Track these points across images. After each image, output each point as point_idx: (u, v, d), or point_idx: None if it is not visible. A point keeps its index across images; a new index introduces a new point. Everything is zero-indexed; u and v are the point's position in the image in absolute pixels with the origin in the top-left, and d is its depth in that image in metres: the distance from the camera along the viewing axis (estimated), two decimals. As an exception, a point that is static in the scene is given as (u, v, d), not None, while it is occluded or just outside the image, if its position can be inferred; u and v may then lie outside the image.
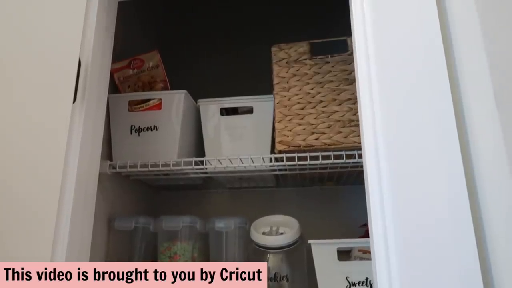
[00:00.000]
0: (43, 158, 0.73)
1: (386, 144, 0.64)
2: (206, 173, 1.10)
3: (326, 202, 1.31)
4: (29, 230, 0.72)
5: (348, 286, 0.89)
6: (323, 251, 0.91)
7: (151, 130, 1.05)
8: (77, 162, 0.77)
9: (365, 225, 1.16)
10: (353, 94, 0.95)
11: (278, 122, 0.96)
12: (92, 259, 0.86)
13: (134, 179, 1.19)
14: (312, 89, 0.97)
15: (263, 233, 1.02)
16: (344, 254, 0.97)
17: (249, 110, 1.09)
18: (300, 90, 0.98)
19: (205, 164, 1.03)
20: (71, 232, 0.75)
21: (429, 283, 0.58)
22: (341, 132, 0.93)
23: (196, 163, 1.02)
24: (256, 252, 1.03)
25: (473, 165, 0.62)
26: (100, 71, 0.84)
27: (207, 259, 1.04)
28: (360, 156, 0.91)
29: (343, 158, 0.93)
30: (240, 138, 1.07)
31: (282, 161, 0.97)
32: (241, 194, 1.35)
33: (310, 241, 0.92)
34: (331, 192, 1.32)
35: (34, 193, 0.73)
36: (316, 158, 0.94)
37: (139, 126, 1.06)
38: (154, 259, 1.01)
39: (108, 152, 1.06)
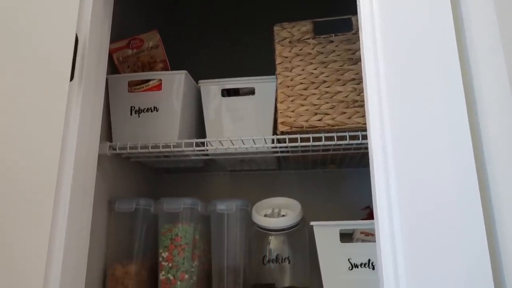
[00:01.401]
0: (39, 138, 0.72)
1: (392, 123, 0.62)
2: (207, 155, 1.08)
3: (328, 185, 1.30)
4: (26, 214, 0.71)
5: (350, 268, 0.89)
6: (325, 233, 0.90)
7: (151, 111, 1.03)
8: (75, 143, 0.76)
9: (367, 207, 1.15)
10: (357, 74, 0.93)
11: (281, 102, 0.94)
12: (92, 241, 0.86)
13: (134, 161, 1.18)
14: (315, 69, 0.95)
15: (265, 215, 1.02)
16: (346, 237, 0.96)
17: (251, 91, 1.07)
18: (303, 70, 0.95)
19: (206, 146, 1.01)
20: (70, 215, 0.74)
21: (434, 265, 0.57)
22: (344, 113, 0.91)
23: (197, 144, 1.01)
24: (257, 234, 1.02)
25: (483, 148, 0.61)
26: (98, 49, 0.82)
27: (208, 241, 1.04)
28: (363, 137, 0.90)
29: (346, 139, 0.91)
30: (241, 120, 1.05)
31: (284, 142, 0.95)
32: (243, 177, 1.34)
33: (312, 223, 0.91)
34: (333, 175, 1.31)
35: (30, 174, 0.72)
36: (319, 139, 0.92)
37: (139, 107, 1.04)
38: (155, 241, 1.01)
39: (108, 134, 1.05)
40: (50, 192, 0.72)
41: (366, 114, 0.67)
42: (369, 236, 0.99)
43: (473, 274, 0.56)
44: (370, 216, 1.14)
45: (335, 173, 1.31)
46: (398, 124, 0.62)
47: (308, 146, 0.95)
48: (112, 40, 0.93)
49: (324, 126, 0.91)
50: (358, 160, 1.19)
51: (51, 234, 0.71)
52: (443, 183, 0.59)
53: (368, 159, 0.68)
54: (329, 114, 0.91)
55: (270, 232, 1.00)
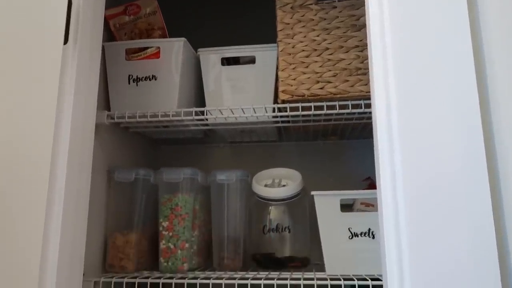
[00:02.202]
0: (32, 104, 0.70)
1: (397, 90, 0.60)
2: (207, 125, 1.07)
3: (329, 157, 1.29)
4: (22, 182, 0.70)
5: (350, 237, 0.89)
6: (326, 203, 0.90)
7: (150, 79, 1.01)
8: (71, 110, 0.74)
9: (368, 178, 1.14)
10: (361, 41, 0.90)
11: (282, 70, 0.92)
12: (91, 211, 0.85)
13: (133, 131, 1.16)
14: (317, 36, 0.92)
15: (265, 186, 1.01)
16: (346, 208, 0.95)
17: (252, 60, 1.04)
18: (305, 37, 0.93)
19: (206, 115, 1.00)
20: (67, 185, 0.73)
21: (438, 234, 0.56)
22: (347, 80, 0.89)
23: (197, 113, 0.99)
24: (258, 205, 1.02)
25: (492, 120, 0.59)
26: (93, 13, 0.79)
27: (208, 212, 1.04)
28: (366, 106, 0.88)
29: (348, 108, 0.90)
30: (241, 89, 1.03)
31: (285, 111, 0.94)
32: (243, 149, 1.33)
33: (313, 193, 0.91)
34: (334, 147, 1.30)
35: (25, 142, 0.70)
36: (321, 108, 0.91)
37: (137, 76, 1.02)
38: (155, 211, 1.00)
39: (106, 103, 1.03)
40: (46, 160, 0.70)
41: (371, 81, 0.65)
42: (370, 207, 0.99)
43: (477, 244, 0.55)
44: (370, 187, 1.14)
45: (336, 145, 1.30)
46: (404, 90, 0.61)
47: (310, 115, 0.94)
48: (108, 6, 0.90)
49: (326, 95, 0.89)
50: (359, 131, 1.18)
51: (49, 202, 0.70)
52: (449, 151, 0.58)
53: (370, 129, 0.67)
54: (331, 82, 0.89)
55: (270, 202, 1.00)
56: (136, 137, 1.20)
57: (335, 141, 1.30)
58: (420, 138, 0.59)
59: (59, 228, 0.72)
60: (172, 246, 0.96)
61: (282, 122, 1.04)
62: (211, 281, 0.84)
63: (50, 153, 0.70)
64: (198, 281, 0.85)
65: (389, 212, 0.60)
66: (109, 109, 1.03)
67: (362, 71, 0.88)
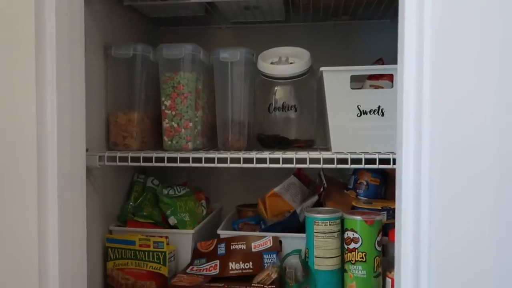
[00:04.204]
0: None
1: None
2: (207, -4, 0.98)
3: (339, 38, 1.22)
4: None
5: (358, 114, 0.86)
6: (335, 79, 0.86)
7: None
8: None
9: (380, 60, 1.09)
10: None
11: None
12: (90, 89, 0.82)
13: (130, 8, 1.08)
14: None
15: (271, 64, 0.96)
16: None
17: None
18: None
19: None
20: (58, 55, 0.68)
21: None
22: None
23: (197, -19, 0.90)
24: (263, 84, 0.98)
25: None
26: None
27: (212, 93, 1.00)
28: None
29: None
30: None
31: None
32: (247, 30, 1.25)
33: (322, 68, 0.86)
34: (345, 28, 1.22)
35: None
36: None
37: None
38: (157, 91, 0.97)
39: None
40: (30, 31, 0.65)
41: None
42: (379, 88, 0.95)
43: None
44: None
45: (347, 26, 1.21)
46: None
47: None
48: None
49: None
50: (373, 10, 1.09)
51: (38, 78, 0.66)
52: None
53: (385, 6, 0.59)
54: None
55: (276, 81, 0.95)
56: (133, 16, 1.11)
57: (346, 22, 1.21)
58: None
59: (55, 101, 0.69)
60: (175, 125, 0.94)
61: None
62: (216, 155, 0.84)
63: (34, 26, 0.64)
64: (203, 155, 0.85)
65: (411, 88, 0.56)
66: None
67: None
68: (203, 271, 0.90)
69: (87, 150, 0.86)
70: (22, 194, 0.65)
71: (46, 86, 0.68)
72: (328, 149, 0.95)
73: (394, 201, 0.62)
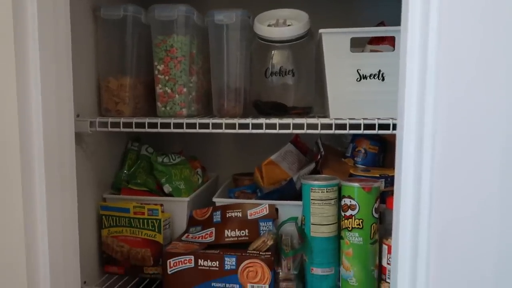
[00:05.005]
0: None
1: None
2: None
3: (339, 2, 1.17)
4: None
5: (358, 79, 0.83)
6: (335, 41, 0.83)
7: None
8: None
9: (381, 23, 1.04)
10: None
11: None
12: (79, 53, 0.78)
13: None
14: None
15: (268, 26, 0.91)
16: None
17: None
18: None
19: None
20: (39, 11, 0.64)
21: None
22: None
23: None
24: (260, 48, 0.94)
25: None
26: None
27: (206, 59, 0.96)
28: None
29: None
30: None
31: None
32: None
33: (321, 30, 0.83)
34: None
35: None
36: None
37: None
38: (150, 55, 0.93)
39: None
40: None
41: None
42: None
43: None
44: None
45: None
46: None
47: None
48: None
49: None
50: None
51: (16, 39, 0.62)
52: None
53: None
54: None
55: (273, 44, 0.91)
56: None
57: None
58: None
59: (38, 64, 0.65)
60: (169, 91, 0.91)
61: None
62: (211, 121, 0.82)
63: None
64: (197, 121, 0.82)
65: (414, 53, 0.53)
66: None
67: None
68: (198, 238, 0.90)
69: (78, 116, 0.84)
70: (2, 160, 0.62)
71: (27, 47, 0.64)
72: (326, 117, 0.92)
73: (393, 169, 0.61)
